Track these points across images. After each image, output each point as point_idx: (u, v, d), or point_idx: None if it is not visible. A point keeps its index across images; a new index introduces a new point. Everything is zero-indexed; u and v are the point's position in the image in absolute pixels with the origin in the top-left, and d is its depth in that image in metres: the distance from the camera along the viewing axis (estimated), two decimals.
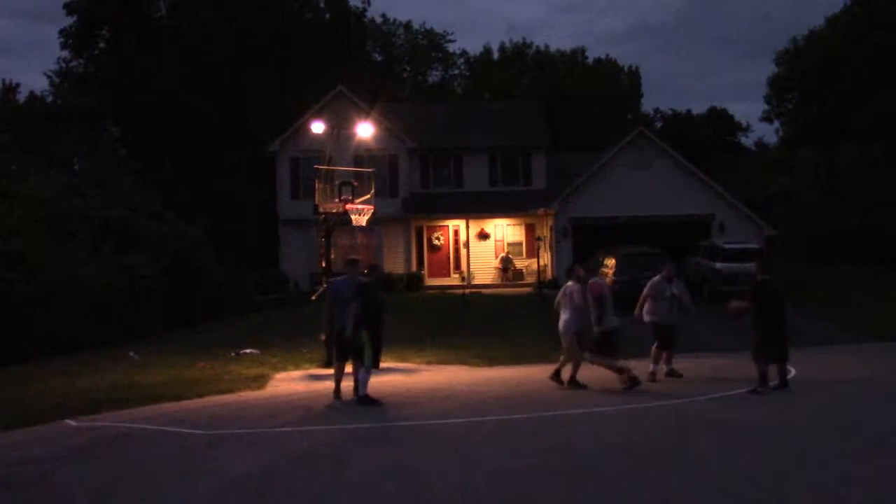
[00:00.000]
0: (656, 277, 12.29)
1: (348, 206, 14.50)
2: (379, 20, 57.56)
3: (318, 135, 25.97)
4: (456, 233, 32.93)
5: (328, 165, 17.18)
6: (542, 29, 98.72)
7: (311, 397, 11.32)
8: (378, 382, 12.50)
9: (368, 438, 8.41)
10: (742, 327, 11.26)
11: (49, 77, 48.07)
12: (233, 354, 16.35)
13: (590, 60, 61.63)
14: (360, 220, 14.90)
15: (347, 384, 11.79)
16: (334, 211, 14.72)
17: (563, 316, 11.36)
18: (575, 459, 7.10)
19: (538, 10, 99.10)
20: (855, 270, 29.91)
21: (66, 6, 42.30)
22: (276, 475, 6.86)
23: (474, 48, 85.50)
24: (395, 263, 31.63)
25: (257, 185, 37.25)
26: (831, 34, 42.58)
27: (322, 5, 47.95)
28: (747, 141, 62.49)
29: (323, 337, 14.04)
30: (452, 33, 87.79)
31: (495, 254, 32.87)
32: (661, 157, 29.76)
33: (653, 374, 11.78)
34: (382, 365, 12.89)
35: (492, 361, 14.94)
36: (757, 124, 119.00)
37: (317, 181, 15.09)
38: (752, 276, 11.43)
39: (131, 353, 17.26)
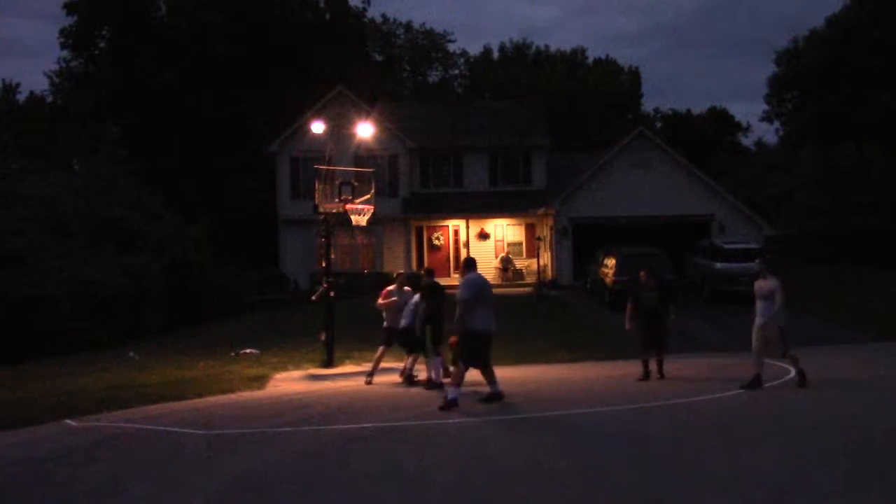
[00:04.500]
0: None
1: (348, 206, 14.48)
2: (379, 20, 57.66)
3: (318, 135, 26.00)
4: (456, 233, 32.94)
5: (328, 165, 17.15)
6: (546, 30, 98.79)
7: (311, 397, 11.32)
8: (379, 382, 12.52)
9: (368, 438, 8.40)
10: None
11: (49, 77, 48.09)
12: (233, 354, 16.35)
13: (590, 61, 61.63)
14: (360, 220, 14.87)
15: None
16: (334, 211, 14.70)
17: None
18: (575, 459, 7.10)
19: (541, 10, 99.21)
20: (855, 270, 29.89)
21: (66, 6, 42.33)
22: (277, 475, 6.85)
23: (478, 49, 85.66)
24: (395, 263, 31.63)
25: (257, 185, 37.23)
26: (831, 34, 42.52)
27: (322, 5, 47.92)
28: (747, 141, 62.50)
29: (323, 336, 14.05)
30: (452, 33, 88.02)
31: (495, 254, 32.87)
32: (661, 158, 29.75)
33: None
34: (383, 365, 12.94)
35: (491, 361, 14.88)
36: (757, 124, 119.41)
37: (317, 181, 15.07)
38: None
39: (131, 353, 17.28)
